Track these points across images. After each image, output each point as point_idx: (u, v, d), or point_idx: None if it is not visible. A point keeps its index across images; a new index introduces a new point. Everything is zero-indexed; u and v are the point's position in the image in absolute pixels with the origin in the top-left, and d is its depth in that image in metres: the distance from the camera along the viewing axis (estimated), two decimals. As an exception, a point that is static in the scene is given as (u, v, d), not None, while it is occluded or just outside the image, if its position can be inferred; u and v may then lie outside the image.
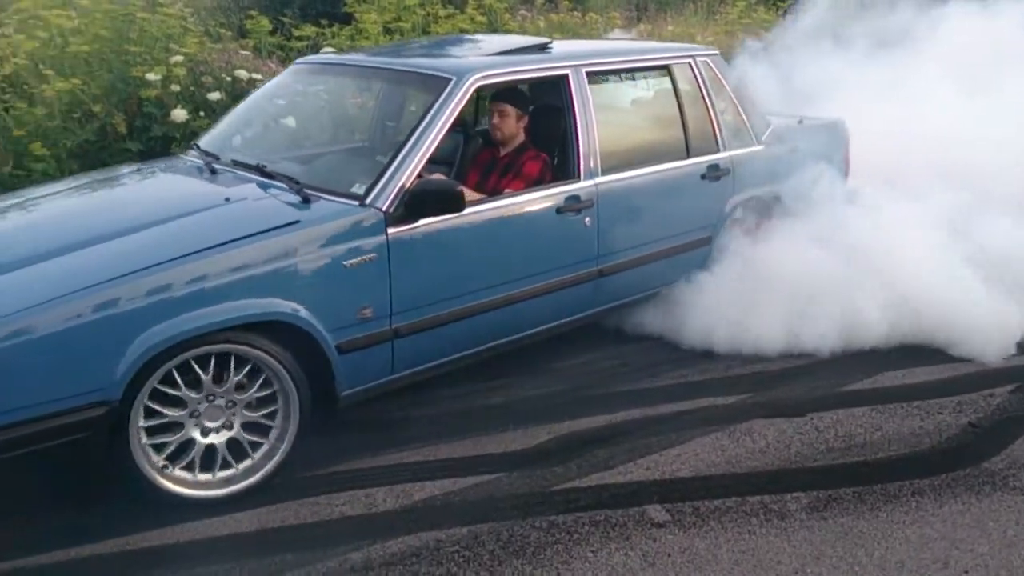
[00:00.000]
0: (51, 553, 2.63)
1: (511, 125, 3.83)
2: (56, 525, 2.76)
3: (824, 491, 3.01)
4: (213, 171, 3.47)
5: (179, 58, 5.48)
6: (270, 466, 2.94)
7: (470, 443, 3.30)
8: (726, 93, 4.39)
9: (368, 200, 3.08)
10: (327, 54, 4.77)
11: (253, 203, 3.15)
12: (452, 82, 3.36)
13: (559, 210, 3.58)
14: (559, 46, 4.04)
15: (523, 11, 8.42)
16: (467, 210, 3.22)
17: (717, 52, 4.51)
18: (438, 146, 3.29)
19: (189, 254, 2.74)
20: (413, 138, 3.23)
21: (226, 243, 2.80)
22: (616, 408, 3.57)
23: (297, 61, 4.21)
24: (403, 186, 3.10)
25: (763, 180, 4.41)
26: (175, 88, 5.34)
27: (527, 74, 3.72)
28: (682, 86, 4.20)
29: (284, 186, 3.19)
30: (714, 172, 4.21)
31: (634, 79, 4.45)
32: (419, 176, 3.20)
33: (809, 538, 2.75)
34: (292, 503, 2.89)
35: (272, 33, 6.89)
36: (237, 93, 5.41)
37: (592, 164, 3.71)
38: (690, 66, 4.25)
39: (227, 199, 3.16)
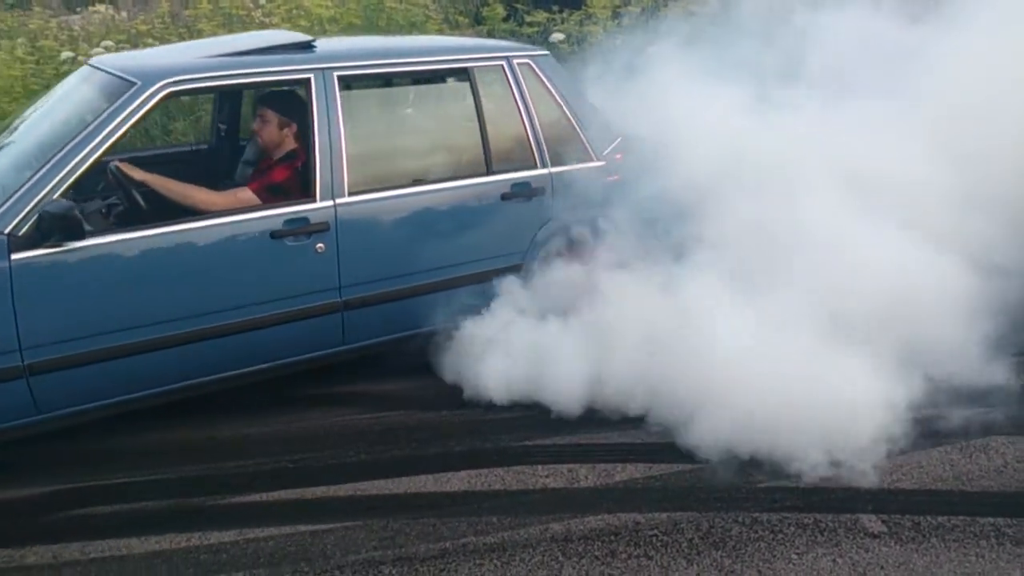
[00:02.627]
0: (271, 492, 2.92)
1: (272, 132, 3.51)
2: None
3: (1071, 521, 2.72)
4: None
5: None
6: None
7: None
8: (553, 101, 3.83)
9: None
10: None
11: None
12: (135, 88, 3.03)
13: (275, 234, 3.18)
14: (326, 45, 3.58)
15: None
16: (134, 233, 2.96)
17: (546, 53, 3.94)
18: (101, 154, 2.95)
19: None
20: (63, 152, 2.91)
21: None
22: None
23: (88, 62, 3.71)
24: (37, 205, 2.81)
25: (595, 202, 3.75)
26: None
27: (247, 79, 3.28)
28: (486, 92, 3.69)
29: None
30: (523, 191, 3.70)
31: (427, 84, 3.94)
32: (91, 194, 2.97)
33: (1048, 570, 2.50)
34: (499, 470, 3.02)
35: (505, 20, 7.12)
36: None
37: (332, 182, 3.29)
38: (503, 69, 3.74)
39: None
